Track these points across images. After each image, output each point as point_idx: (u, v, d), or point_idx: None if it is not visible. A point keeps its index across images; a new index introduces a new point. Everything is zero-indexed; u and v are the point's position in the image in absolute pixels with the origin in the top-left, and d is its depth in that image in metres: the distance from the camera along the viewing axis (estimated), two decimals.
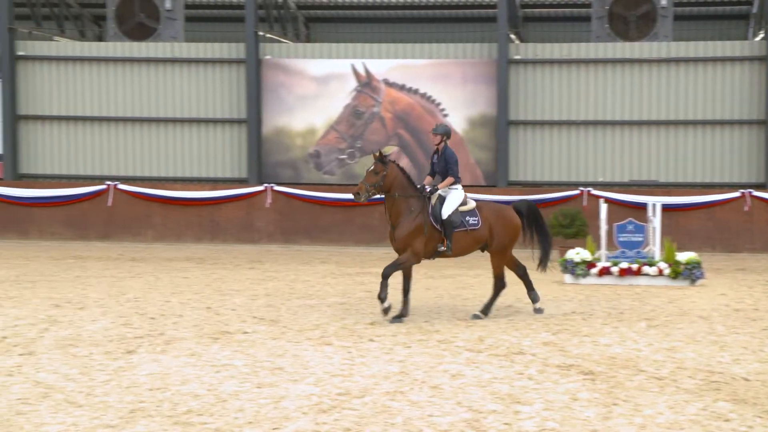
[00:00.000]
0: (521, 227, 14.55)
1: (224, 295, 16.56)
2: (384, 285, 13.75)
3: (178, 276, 19.01)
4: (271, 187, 25.44)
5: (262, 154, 25.81)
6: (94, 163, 26.30)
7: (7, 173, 25.91)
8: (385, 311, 13.78)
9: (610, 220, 18.93)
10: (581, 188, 24.78)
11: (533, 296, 14.71)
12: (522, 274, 14.64)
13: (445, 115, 25.35)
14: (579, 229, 22.47)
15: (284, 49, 26.36)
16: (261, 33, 26.21)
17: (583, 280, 18.20)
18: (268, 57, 25.91)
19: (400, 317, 13.86)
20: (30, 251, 23.21)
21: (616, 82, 25.39)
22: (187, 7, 27.97)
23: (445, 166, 14.21)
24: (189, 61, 26.09)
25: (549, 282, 18.47)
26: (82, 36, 29.34)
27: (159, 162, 26.24)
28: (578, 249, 18.52)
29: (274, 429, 8.59)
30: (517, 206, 14.75)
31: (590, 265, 18.22)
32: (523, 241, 14.77)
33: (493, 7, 26.53)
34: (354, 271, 19.41)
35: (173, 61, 26.11)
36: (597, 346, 12.27)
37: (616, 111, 25.39)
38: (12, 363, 11.06)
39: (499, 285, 14.52)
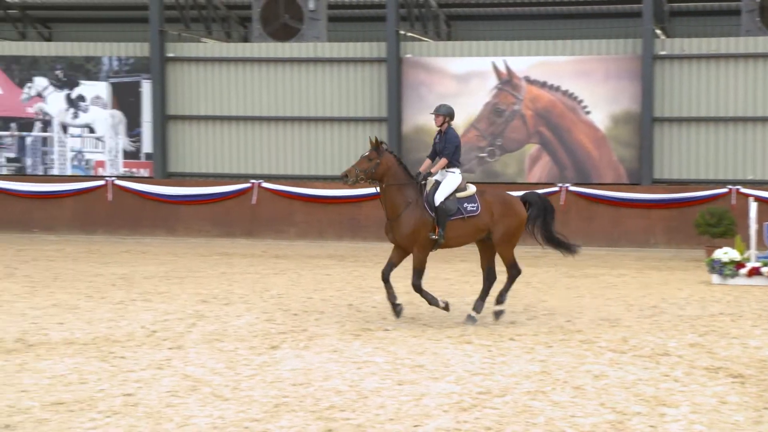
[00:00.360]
0: (526, 219, 13.78)
1: (365, 292, 16.69)
2: (425, 294, 13.44)
3: (320, 273, 19.25)
4: None
5: (402, 153, 25.92)
6: (239, 162, 26.85)
7: (157, 172, 26.68)
8: (446, 307, 13.46)
9: (760, 219, 18.35)
10: (729, 186, 24.09)
11: (478, 305, 13.71)
12: (488, 277, 13.80)
13: (588, 112, 25.00)
14: (727, 228, 21.85)
15: (425, 48, 26.42)
16: (402, 32, 26.33)
17: (731, 281, 17.68)
18: (408, 56, 26.01)
19: (445, 305, 13.51)
20: (178, 248, 23.85)
21: (767, 77, 24.58)
22: (330, 7, 28.29)
23: (444, 147, 13.61)
24: (331, 61, 26.39)
25: (695, 282, 18.02)
26: (229, 37, 30.01)
27: (301, 160, 26.62)
28: (726, 249, 17.99)
29: (415, 426, 8.61)
30: (526, 197, 14.11)
31: (739, 265, 17.69)
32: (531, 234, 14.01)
33: (638, 1, 26.00)
34: None
35: (316, 60, 26.45)
36: (746, 348, 11.91)
37: (767, 107, 24.58)
38: (162, 356, 11.39)
39: (513, 273, 13.76)
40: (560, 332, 12.94)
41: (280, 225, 26.07)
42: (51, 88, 26.91)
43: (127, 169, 26.91)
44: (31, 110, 26.98)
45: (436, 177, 13.58)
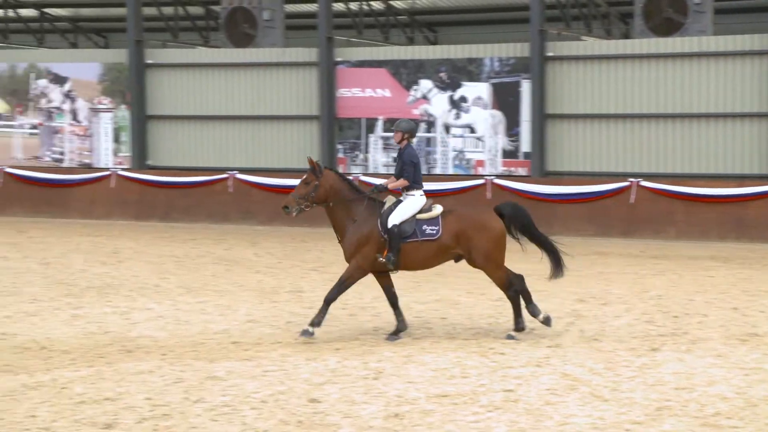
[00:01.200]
0: (504, 231, 12.53)
1: (752, 295, 15.92)
2: (322, 310, 12.29)
3: (702, 275, 18.57)
4: None
5: None
6: (617, 160, 26.47)
7: (535, 171, 26.87)
8: (309, 333, 12.25)
9: None
10: None
11: (533, 310, 12.62)
12: (520, 289, 12.70)
13: None
14: None
15: None
16: None
17: None
18: None
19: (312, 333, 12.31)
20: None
21: None
22: None
23: (401, 168, 12.50)
24: (716, 55, 25.38)
25: None
26: (608, 34, 29.69)
27: (683, 158, 25.83)
28: None
29: None
30: (498, 208, 12.72)
31: None
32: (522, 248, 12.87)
33: None
34: None
35: (699, 55, 25.54)
36: None
37: None
38: (540, 354, 11.48)
39: (512, 294, 12.62)
40: None
41: (659, 224, 25.43)
42: (435, 90, 27.89)
43: (505, 168, 27.35)
44: (416, 112, 28.11)
45: (400, 197, 12.68)
